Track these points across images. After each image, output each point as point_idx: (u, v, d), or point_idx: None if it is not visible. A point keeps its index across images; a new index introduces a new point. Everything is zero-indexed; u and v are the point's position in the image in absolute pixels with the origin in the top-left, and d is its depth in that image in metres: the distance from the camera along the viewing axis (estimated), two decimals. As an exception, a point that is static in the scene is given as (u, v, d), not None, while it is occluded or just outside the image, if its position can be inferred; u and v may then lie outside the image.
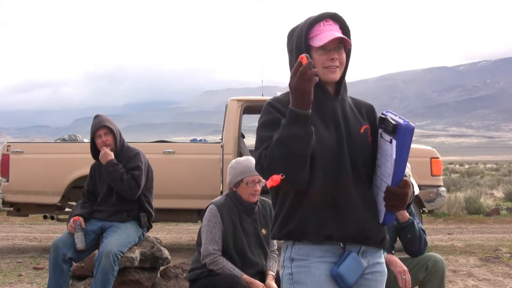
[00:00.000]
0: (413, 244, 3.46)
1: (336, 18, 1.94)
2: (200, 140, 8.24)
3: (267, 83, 8.02)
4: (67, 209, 7.42)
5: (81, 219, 3.99)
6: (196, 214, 6.81)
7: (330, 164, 1.84)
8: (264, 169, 1.77)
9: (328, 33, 1.88)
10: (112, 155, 4.05)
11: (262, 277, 3.44)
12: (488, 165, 49.84)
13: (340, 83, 1.96)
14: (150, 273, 4.19)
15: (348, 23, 1.95)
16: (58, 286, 3.81)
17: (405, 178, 1.80)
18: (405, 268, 3.31)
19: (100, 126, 4.09)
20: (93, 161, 4.25)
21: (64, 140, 7.68)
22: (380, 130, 1.91)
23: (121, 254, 3.84)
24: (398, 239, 3.55)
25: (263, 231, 3.48)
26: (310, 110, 1.72)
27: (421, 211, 7.30)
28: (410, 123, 1.76)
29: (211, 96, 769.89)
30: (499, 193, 16.19)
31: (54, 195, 6.88)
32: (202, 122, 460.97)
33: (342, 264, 1.85)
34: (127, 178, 3.98)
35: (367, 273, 1.92)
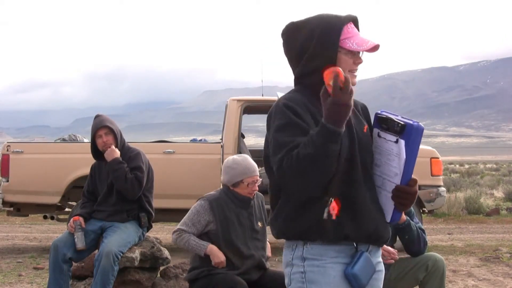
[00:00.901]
0: (412, 244, 3.47)
1: (356, 23, 1.92)
2: (200, 140, 8.24)
3: (267, 83, 8.03)
4: (67, 209, 7.42)
5: (81, 219, 3.99)
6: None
7: (345, 165, 1.83)
8: (286, 176, 1.73)
9: (364, 39, 1.86)
10: (118, 153, 4.04)
11: (261, 269, 3.45)
12: (488, 165, 49.85)
13: None
14: (150, 273, 4.19)
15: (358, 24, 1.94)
16: (58, 286, 3.81)
17: (414, 178, 1.82)
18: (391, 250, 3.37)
19: (100, 126, 4.09)
20: (93, 161, 4.25)
21: (64, 140, 7.68)
22: (377, 130, 1.91)
23: (121, 254, 3.84)
24: (398, 239, 3.55)
25: (259, 224, 3.51)
26: (341, 130, 1.67)
27: (421, 211, 7.31)
28: (419, 123, 1.79)
29: (211, 96, 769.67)
30: (499, 193, 16.20)
31: (54, 195, 6.88)
32: (202, 122, 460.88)
33: (356, 264, 1.85)
34: (131, 178, 3.97)
35: None
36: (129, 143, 4.35)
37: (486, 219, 11.30)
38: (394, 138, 1.83)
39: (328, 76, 1.67)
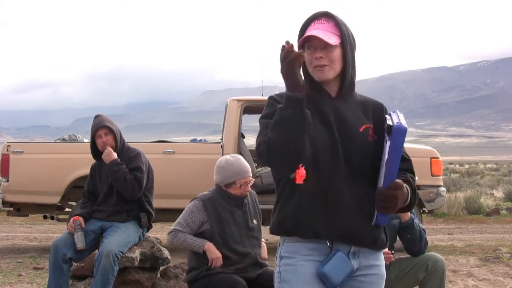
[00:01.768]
0: (413, 244, 3.47)
1: (329, 16, 1.91)
2: (200, 140, 8.24)
3: (267, 83, 8.02)
4: (67, 209, 7.42)
5: (81, 219, 3.99)
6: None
7: (322, 162, 1.83)
8: (263, 153, 1.80)
9: (309, 33, 1.86)
10: (115, 155, 4.05)
11: (259, 267, 3.45)
12: (488, 165, 49.84)
13: (343, 82, 1.93)
14: (150, 273, 4.19)
15: (340, 18, 1.92)
16: (58, 286, 3.81)
17: (397, 181, 1.76)
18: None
19: (100, 126, 4.09)
20: (93, 161, 4.25)
21: (64, 140, 7.68)
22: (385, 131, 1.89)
23: (121, 254, 3.84)
24: (398, 239, 3.55)
25: (254, 221, 3.52)
26: (303, 94, 1.73)
27: (421, 211, 7.30)
28: (403, 124, 1.74)
29: (211, 96, 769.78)
30: (499, 193, 16.19)
31: (54, 195, 6.87)
32: (202, 122, 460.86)
33: (328, 263, 1.83)
34: (130, 179, 3.98)
35: (360, 275, 1.89)
36: (129, 143, 4.35)
37: (486, 219, 11.29)
38: (387, 139, 1.82)
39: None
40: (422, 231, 3.50)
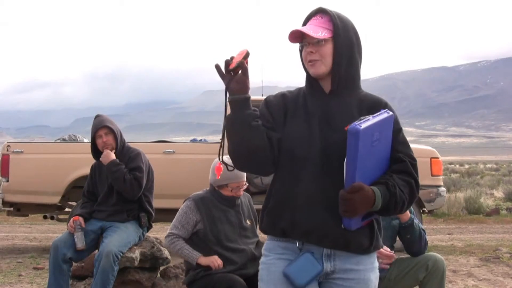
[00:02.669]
0: (413, 244, 3.47)
1: (324, 11, 1.89)
2: (200, 140, 8.24)
3: (267, 83, 8.02)
4: (67, 209, 7.42)
5: (81, 219, 3.99)
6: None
7: (292, 159, 1.83)
8: (233, 163, 1.88)
9: (297, 29, 1.86)
10: (114, 155, 4.05)
11: (256, 262, 3.45)
12: (488, 165, 49.83)
13: (334, 77, 1.87)
14: (150, 273, 4.19)
15: (336, 13, 1.88)
16: (58, 286, 3.80)
17: (354, 184, 1.69)
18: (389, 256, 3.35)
19: (100, 126, 4.09)
20: (93, 161, 4.25)
21: (64, 140, 7.68)
22: None
23: (121, 254, 3.84)
24: (398, 239, 3.55)
25: (248, 221, 3.53)
26: (240, 96, 1.75)
27: (421, 211, 7.31)
28: (357, 125, 1.66)
29: (211, 96, 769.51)
30: (499, 193, 16.20)
31: (54, 195, 6.88)
32: (202, 122, 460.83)
33: (292, 264, 1.81)
34: (129, 179, 3.98)
35: (337, 278, 1.85)
36: (129, 143, 4.35)
37: (486, 219, 11.29)
38: None
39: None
40: (422, 231, 3.50)
